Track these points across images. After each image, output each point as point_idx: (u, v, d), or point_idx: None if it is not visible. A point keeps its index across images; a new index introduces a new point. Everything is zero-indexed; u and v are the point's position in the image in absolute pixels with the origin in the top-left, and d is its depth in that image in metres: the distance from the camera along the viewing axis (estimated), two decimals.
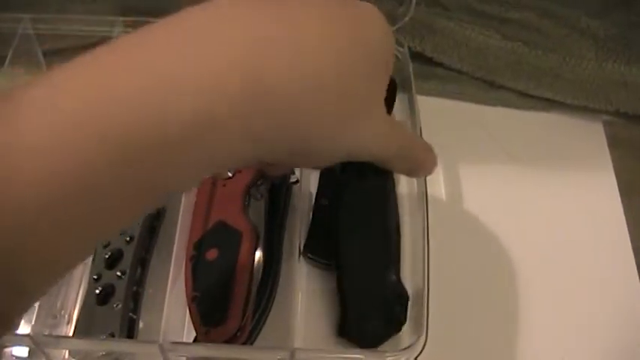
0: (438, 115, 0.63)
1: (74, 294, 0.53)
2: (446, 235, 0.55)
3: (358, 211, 0.54)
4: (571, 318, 0.54)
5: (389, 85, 0.43)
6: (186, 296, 0.49)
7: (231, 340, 0.47)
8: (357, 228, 0.53)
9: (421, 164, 0.43)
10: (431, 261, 0.50)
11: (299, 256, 0.53)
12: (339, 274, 0.52)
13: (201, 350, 0.47)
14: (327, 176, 0.58)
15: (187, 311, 0.49)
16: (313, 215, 0.57)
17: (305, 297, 0.52)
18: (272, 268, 0.53)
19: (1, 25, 0.62)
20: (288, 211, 0.56)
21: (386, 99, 0.42)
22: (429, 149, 0.43)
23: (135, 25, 0.58)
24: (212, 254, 0.50)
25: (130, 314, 0.50)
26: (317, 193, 0.58)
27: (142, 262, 0.53)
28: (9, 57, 0.59)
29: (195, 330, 0.48)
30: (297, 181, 0.57)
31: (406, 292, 0.51)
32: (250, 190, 0.53)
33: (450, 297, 0.52)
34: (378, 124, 0.37)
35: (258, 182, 0.54)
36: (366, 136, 0.36)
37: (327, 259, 0.54)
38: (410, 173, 0.45)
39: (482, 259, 0.57)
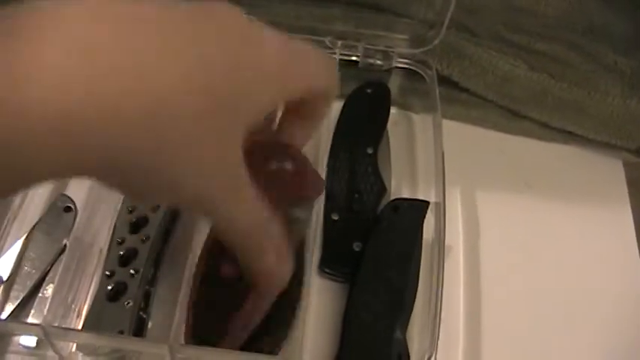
0: (460, 140, 0.64)
1: (86, 288, 0.53)
2: (460, 259, 0.56)
3: (386, 252, 0.54)
4: (582, 353, 0.54)
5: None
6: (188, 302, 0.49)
7: None
8: (380, 269, 0.53)
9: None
10: (445, 290, 0.50)
11: (311, 271, 0.53)
12: (349, 307, 0.52)
13: (210, 354, 0.46)
14: (336, 190, 0.58)
15: None
16: (325, 230, 0.57)
17: (315, 312, 0.52)
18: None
19: None
20: None
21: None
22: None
23: None
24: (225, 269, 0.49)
25: (140, 313, 0.50)
26: (325, 208, 0.57)
27: (156, 261, 0.53)
28: None
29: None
30: None
31: (408, 352, 0.50)
32: None
33: (460, 317, 0.53)
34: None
35: None
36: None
37: (344, 273, 0.54)
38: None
39: (494, 284, 0.56)
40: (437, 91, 0.61)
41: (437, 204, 0.55)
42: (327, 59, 0.40)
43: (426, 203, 0.55)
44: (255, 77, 0.33)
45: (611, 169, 0.65)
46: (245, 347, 0.47)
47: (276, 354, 0.48)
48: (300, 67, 0.37)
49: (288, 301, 0.50)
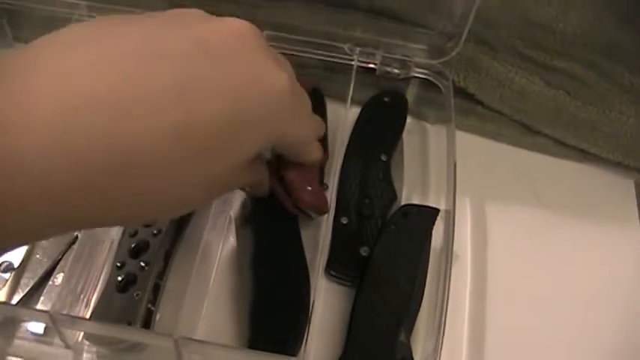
0: (473, 153, 0.64)
1: (96, 279, 0.53)
2: (467, 268, 0.56)
3: (394, 256, 0.54)
4: None
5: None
6: None
7: None
8: (388, 273, 0.53)
9: None
10: (450, 297, 0.50)
11: (318, 273, 0.53)
12: (354, 309, 0.52)
13: (214, 349, 0.47)
14: (347, 194, 0.58)
15: (204, 308, 0.50)
16: (334, 233, 0.57)
17: (321, 314, 0.53)
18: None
19: (57, 9, 0.64)
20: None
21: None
22: None
23: None
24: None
25: (149, 305, 0.51)
26: (335, 211, 0.57)
27: (167, 255, 0.54)
28: None
29: None
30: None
31: (412, 356, 0.50)
32: None
33: (464, 324, 0.54)
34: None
35: None
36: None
37: (350, 277, 0.55)
38: None
39: (499, 294, 0.57)
40: (452, 103, 0.61)
41: (447, 212, 0.55)
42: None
43: (436, 210, 0.55)
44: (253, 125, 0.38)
45: (621, 190, 0.65)
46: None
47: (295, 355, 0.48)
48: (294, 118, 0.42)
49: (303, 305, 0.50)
